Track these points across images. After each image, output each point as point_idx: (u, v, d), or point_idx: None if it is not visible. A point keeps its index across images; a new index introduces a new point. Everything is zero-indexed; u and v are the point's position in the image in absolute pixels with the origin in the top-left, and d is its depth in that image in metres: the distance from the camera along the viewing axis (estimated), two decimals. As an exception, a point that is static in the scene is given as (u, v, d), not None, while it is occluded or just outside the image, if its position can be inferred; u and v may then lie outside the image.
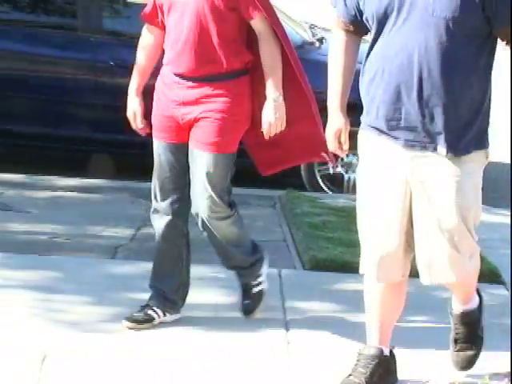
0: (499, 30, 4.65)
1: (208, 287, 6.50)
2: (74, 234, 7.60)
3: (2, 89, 8.91)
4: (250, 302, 6.00)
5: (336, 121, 4.93)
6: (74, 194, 8.75)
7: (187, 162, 5.62)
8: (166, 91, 5.58)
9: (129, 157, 8.75)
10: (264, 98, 5.52)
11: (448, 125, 4.68)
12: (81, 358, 5.29)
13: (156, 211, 5.75)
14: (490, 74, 4.82)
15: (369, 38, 4.89)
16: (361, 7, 4.78)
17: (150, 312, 5.70)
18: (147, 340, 5.66)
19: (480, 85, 4.74)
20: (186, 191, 5.68)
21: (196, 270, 6.21)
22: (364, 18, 4.79)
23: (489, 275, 7.05)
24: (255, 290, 5.99)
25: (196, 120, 5.51)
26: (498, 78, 4.91)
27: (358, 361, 5.07)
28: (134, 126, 5.69)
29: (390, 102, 4.70)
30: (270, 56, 5.51)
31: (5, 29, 9.09)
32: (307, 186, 9.65)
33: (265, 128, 5.51)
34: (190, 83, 5.50)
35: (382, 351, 5.07)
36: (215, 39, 5.42)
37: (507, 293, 6.88)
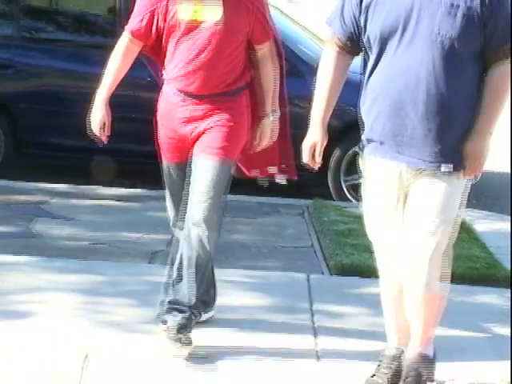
0: (498, 47, 4.55)
1: (235, 290, 6.46)
2: (113, 240, 7.60)
3: (52, 104, 8.92)
4: (186, 331, 5.36)
5: (314, 134, 4.80)
6: (114, 202, 8.81)
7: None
8: (172, 111, 5.38)
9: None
10: (256, 112, 5.44)
11: (453, 142, 4.61)
12: (121, 358, 5.26)
13: (178, 226, 5.56)
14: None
15: (363, 56, 4.81)
16: (362, 26, 4.66)
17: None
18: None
19: (473, 98, 4.65)
20: None
21: (223, 273, 6.22)
22: (365, 38, 4.66)
23: (504, 280, 7.06)
24: (196, 319, 5.48)
25: (203, 131, 5.32)
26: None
27: (380, 361, 5.02)
28: (98, 133, 5.36)
29: (397, 118, 4.59)
30: (271, 76, 5.41)
31: (60, 49, 9.07)
32: (334, 195, 9.63)
33: (262, 142, 5.45)
34: (197, 100, 5.31)
35: (401, 351, 5.00)
36: (226, 62, 5.25)
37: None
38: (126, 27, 5.32)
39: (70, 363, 5.08)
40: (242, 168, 5.74)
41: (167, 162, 5.49)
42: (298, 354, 5.45)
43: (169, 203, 5.66)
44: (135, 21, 5.27)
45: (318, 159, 4.80)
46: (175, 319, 5.28)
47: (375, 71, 4.64)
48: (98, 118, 5.33)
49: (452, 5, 4.43)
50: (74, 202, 8.66)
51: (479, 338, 6.09)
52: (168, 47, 5.29)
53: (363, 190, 5.00)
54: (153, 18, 5.23)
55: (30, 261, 6.73)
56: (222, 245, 5.92)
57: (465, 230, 7.93)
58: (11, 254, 6.79)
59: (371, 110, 4.69)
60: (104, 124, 5.33)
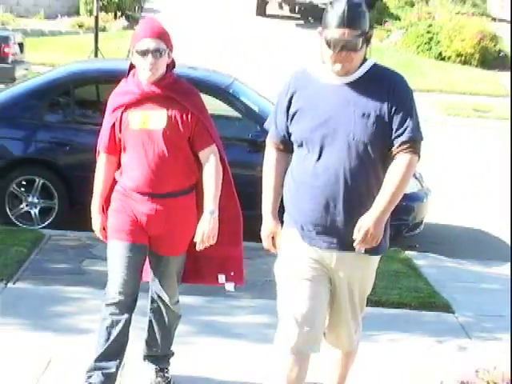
0: (400, 144, 4.20)
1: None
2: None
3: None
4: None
5: (269, 224, 4.46)
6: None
7: (142, 260, 4.85)
8: (129, 201, 4.78)
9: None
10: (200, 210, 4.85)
11: None
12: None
13: (115, 309, 4.77)
14: None
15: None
16: (290, 131, 4.36)
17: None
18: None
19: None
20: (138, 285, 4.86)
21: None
22: (292, 139, 4.35)
23: (442, 306, 7.06)
24: (167, 374, 5.15)
25: (161, 231, 4.80)
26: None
27: None
28: (102, 236, 4.94)
29: (319, 211, 4.22)
30: (213, 177, 4.78)
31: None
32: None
33: (198, 237, 4.76)
34: (153, 199, 4.74)
35: None
36: (174, 164, 4.72)
37: (455, 319, 6.86)
38: (98, 147, 4.88)
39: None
40: (194, 277, 5.13)
41: (116, 242, 4.79)
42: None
43: (113, 284, 4.80)
44: (103, 140, 4.84)
45: (278, 245, 4.47)
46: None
47: (301, 167, 4.31)
48: (98, 224, 4.92)
49: (363, 114, 4.15)
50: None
51: (422, 351, 6.14)
52: (124, 152, 4.80)
53: (280, 272, 4.44)
54: (114, 132, 4.77)
55: (80, 290, 6.76)
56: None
57: (411, 267, 8.01)
58: (66, 285, 6.83)
59: (294, 200, 4.34)
60: (104, 230, 4.90)
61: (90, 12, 23.70)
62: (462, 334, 6.54)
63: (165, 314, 5.04)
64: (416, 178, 9.45)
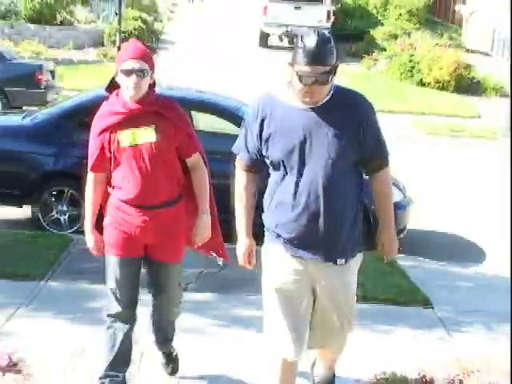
0: (374, 161, 4.17)
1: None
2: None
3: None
4: (174, 365, 5.08)
5: (244, 242, 4.27)
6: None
7: (137, 271, 4.66)
8: (127, 218, 4.55)
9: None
10: (194, 212, 4.71)
11: (343, 242, 4.12)
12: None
13: (116, 319, 4.63)
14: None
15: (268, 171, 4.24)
16: (264, 153, 4.12)
17: None
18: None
19: (356, 199, 4.21)
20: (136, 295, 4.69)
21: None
22: (268, 161, 4.12)
23: (423, 302, 7.05)
24: (175, 353, 5.08)
25: (157, 241, 4.59)
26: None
27: None
28: (98, 253, 4.64)
29: (302, 227, 4.05)
30: (202, 182, 4.66)
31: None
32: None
33: (198, 237, 4.68)
34: (148, 210, 4.52)
35: None
36: (164, 176, 4.50)
37: (434, 313, 6.85)
38: (89, 168, 4.58)
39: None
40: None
41: (114, 257, 4.59)
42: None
43: (114, 297, 4.63)
44: (92, 160, 4.55)
45: (253, 261, 4.32)
46: None
47: (280, 187, 4.10)
48: (91, 242, 4.62)
49: (336, 135, 3.97)
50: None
51: (404, 342, 6.13)
52: (115, 169, 4.53)
53: (266, 285, 4.27)
54: (103, 151, 4.50)
55: (103, 287, 6.72)
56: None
57: (395, 267, 7.97)
58: (91, 283, 6.72)
59: (278, 218, 4.12)
60: (100, 246, 4.62)
61: (113, 43, 23.77)
62: (440, 327, 6.53)
63: (166, 323, 4.90)
64: (400, 190, 9.46)
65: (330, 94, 4.05)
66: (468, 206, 12.01)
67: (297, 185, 4.04)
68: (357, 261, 4.28)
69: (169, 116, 4.50)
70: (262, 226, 4.27)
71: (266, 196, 4.22)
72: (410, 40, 27.35)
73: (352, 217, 4.15)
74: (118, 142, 4.46)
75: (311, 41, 3.85)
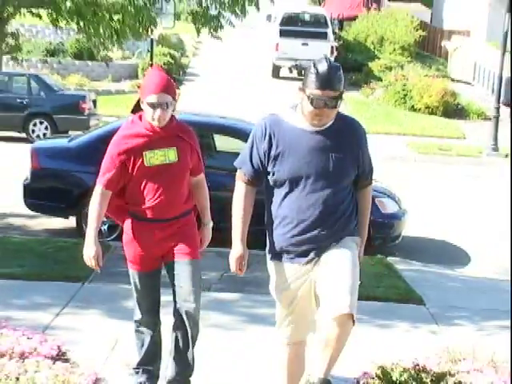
0: (366, 179, 4.07)
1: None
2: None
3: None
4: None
5: (238, 249, 4.02)
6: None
7: (158, 281, 4.45)
8: (145, 233, 4.32)
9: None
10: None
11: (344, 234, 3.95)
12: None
13: (141, 325, 4.50)
14: None
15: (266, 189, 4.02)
16: (270, 170, 3.92)
17: None
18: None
19: (354, 204, 4.06)
20: (158, 302, 4.50)
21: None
22: (272, 179, 3.92)
23: (416, 300, 6.99)
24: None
25: (174, 246, 4.33)
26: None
27: None
28: (93, 264, 4.27)
29: (305, 239, 3.89)
30: (205, 197, 4.51)
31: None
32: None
33: (204, 244, 4.51)
34: (164, 223, 4.29)
35: None
36: (181, 192, 4.33)
37: (426, 310, 6.81)
38: (98, 182, 4.27)
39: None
40: None
41: (138, 272, 4.40)
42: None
43: (140, 308, 4.49)
44: (105, 177, 4.25)
45: (244, 268, 4.06)
46: None
47: (284, 203, 3.93)
48: (92, 252, 4.23)
49: (339, 157, 3.86)
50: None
51: (400, 334, 6.11)
52: (136, 187, 4.27)
53: (273, 289, 4.10)
54: (120, 171, 4.22)
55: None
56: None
57: (391, 270, 7.95)
58: (128, 284, 6.79)
59: (281, 231, 3.95)
60: (97, 257, 4.26)
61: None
62: (431, 322, 6.48)
63: (187, 326, 4.33)
64: (395, 201, 9.45)
65: (334, 119, 3.94)
66: (455, 216, 11.98)
67: (301, 202, 3.88)
68: (354, 239, 3.99)
69: (186, 139, 4.36)
70: (254, 233, 4.10)
71: (269, 210, 4.01)
72: (403, 71, 27.33)
73: (351, 221, 4.00)
74: (143, 161, 4.23)
75: (323, 67, 3.74)
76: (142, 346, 4.50)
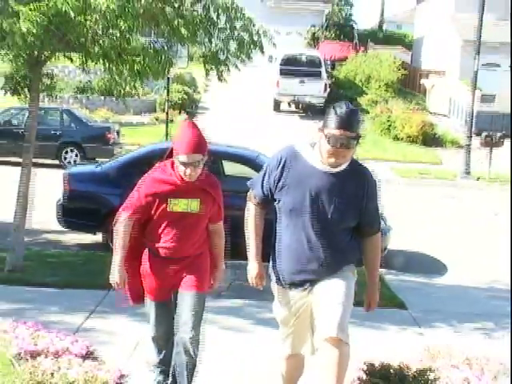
0: (370, 228, 3.81)
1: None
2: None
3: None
4: None
5: (253, 266, 3.88)
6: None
7: (171, 309, 4.24)
8: (159, 267, 4.15)
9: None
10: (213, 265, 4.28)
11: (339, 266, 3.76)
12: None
13: (157, 342, 4.37)
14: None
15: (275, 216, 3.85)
16: (277, 198, 3.77)
17: None
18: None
19: (353, 244, 3.81)
20: (171, 326, 4.22)
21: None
22: (279, 205, 3.77)
23: (398, 305, 7.00)
24: None
25: (183, 277, 4.14)
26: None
27: None
28: (120, 288, 4.15)
29: (304, 268, 3.73)
30: (221, 243, 4.27)
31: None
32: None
33: (216, 283, 4.31)
34: (179, 261, 4.13)
35: None
36: (197, 236, 4.14)
37: (408, 314, 6.80)
38: (123, 210, 4.12)
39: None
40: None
41: (155, 302, 4.23)
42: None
43: (158, 339, 4.33)
44: (131, 210, 4.10)
45: (263, 282, 3.92)
46: None
47: (286, 232, 3.75)
48: (118, 277, 4.10)
49: (343, 201, 3.66)
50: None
51: (386, 336, 6.08)
52: (155, 226, 4.11)
53: (276, 309, 3.98)
54: (144, 209, 4.08)
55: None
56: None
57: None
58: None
59: (283, 260, 3.79)
60: (123, 283, 4.12)
61: (163, 110, 23.88)
62: (414, 324, 6.48)
63: (184, 358, 4.09)
64: (381, 219, 9.44)
65: (347, 163, 3.68)
66: (434, 231, 11.96)
67: (300, 235, 3.69)
68: (350, 267, 3.80)
69: (211, 192, 4.12)
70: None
71: (275, 234, 3.85)
72: (388, 105, 27.41)
73: (349, 255, 3.80)
74: (166, 206, 4.04)
75: (342, 109, 3.56)
76: (159, 351, 4.40)
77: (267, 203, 3.86)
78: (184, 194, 4.05)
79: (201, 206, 4.08)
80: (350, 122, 3.56)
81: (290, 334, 3.95)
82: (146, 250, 4.20)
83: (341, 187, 3.66)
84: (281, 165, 3.74)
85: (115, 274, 4.10)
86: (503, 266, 9.20)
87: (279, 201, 3.77)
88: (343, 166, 3.68)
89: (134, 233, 4.12)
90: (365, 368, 4.29)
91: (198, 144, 3.98)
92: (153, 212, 4.08)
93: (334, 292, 3.70)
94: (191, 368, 4.11)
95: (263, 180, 3.82)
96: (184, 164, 3.97)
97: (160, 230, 4.10)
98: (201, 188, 4.08)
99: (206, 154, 4.02)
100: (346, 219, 3.71)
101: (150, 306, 4.29)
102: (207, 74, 7.63)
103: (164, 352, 4.38)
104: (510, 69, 24.36)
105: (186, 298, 4.10)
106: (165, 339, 4.33)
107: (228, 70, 7.40)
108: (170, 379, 4.27)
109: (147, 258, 4.21)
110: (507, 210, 12.22)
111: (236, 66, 7.44)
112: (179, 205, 4.05)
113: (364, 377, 4.24)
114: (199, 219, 4.11)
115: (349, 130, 3.55)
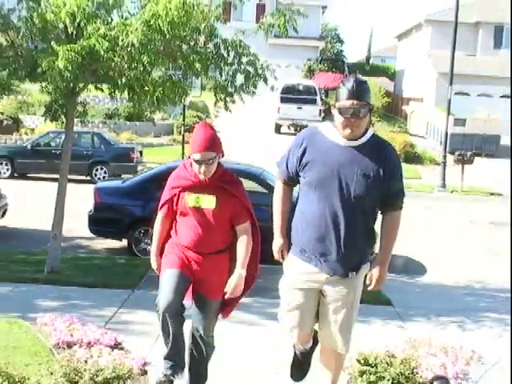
0: (393, 203, 3.46)
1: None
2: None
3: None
4: None
5: (278, 241, 3.54)
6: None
7: (185, 286, 3.75)
8: (181, 249, 3.81)
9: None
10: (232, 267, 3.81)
11: (356, 261, 3.43)
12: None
13: (163, 316, 3.72)
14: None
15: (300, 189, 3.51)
16: (301, 175, 3.45)
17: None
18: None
19: (371, 234, 3.50)
20: (180, 301, 3.71)
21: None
22: (304, 181, 3.44)
23: (385, 302, 6.95)
24: None
25: (202, 276, 3.79)
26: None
27: None
28: (158, 271, 3.91)
29: (323, 244, 3.38)
30: (244, 247, 3.75)
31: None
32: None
33: (229, 289, 3.71)
34: (198, 255, 3.76)
35: None
36: (216, 232, 3.75)
37: (393, 309, 6.78)
38: (159, 210, 3.91)
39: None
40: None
41: (169, 270, 3.73)
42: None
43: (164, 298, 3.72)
44: (164, 207, 3.88)
45: (285, 256, 3.55)
46: None
47: (311, 205, 3.40)
48: (155, 263, 3.91)
49: (364, 174, 3.32)
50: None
51: (374, 329, 6.05)
52: (179, 221, 3.83)
53: (283, 286, 3.59)
54: (172, 203, 3.82)
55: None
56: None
57: (365, 278, 7.94)
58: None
59: (304, 233, 3.43)
60: (159, 265, 3.87)
61: (179, 132, 23.94)
62: (398, 319, 6.46)
63: (202, 346, 3.92)
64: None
65: (367, 138, 3.38)
66: (414, 236, 11.92)
67: (324, 210, 3.34)
68: (364, 270, 3.49)
69: (229, 189, 3.75)
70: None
71: (299, 207, 3.48)
72: (374, 128, 27.46)
73: (365, 244, 3.45)
74: (185, 201, 3.77)
75: (350, 82, 3.31)
76: (167, 340, 3.77)
77: (292, 180, 3.55)
78: (201, 191, 3.74)
79: (218, 203, 3.72)
80: (358, 92, 3.29)
81: (292, 308, 3.53)
82: (170, 241, 3.88)
83: (361, 160, 3.33)
84: (302, 145, 3.44)
85: (152, 262, 3.94)
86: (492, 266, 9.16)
87: (304, 177, 3.44)
88: (363, 139, 3.37)
89: (166, 228, 3.90)
90: (357, 356, 4.28)
91: (211, 143, 3.69)
92: (175, 207, 3.81)
93: (342, 310, 3.48)
94: (207, 355, 3.95)
95: (287, 159, 3.53)
96: (197, 161, 3.69)
97: (181, 224, 3.81)
98: (217, 185, 3.75)
99: (220, 152, 3.76)
100: (367, 192, 3.32)
101: (164, 275, 3.73)
102: (215, 104, 7.75)
103: (171, 341, 3.75)
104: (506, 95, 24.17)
105: (202, 303, 3.84)
106: (170, 314, 3.63)
107: (233, 101, 7.53)
108: (187, 366, 3.92)
109: (171, 245, 3.86)
110: (508, 217, 12.12)
111: (241, 98, 7.56)
112: (196, 200, 3.75)
113: (356, 364, 4.24)
114: (216, 216, 3.72)
115: (358, 99, 3.28)
